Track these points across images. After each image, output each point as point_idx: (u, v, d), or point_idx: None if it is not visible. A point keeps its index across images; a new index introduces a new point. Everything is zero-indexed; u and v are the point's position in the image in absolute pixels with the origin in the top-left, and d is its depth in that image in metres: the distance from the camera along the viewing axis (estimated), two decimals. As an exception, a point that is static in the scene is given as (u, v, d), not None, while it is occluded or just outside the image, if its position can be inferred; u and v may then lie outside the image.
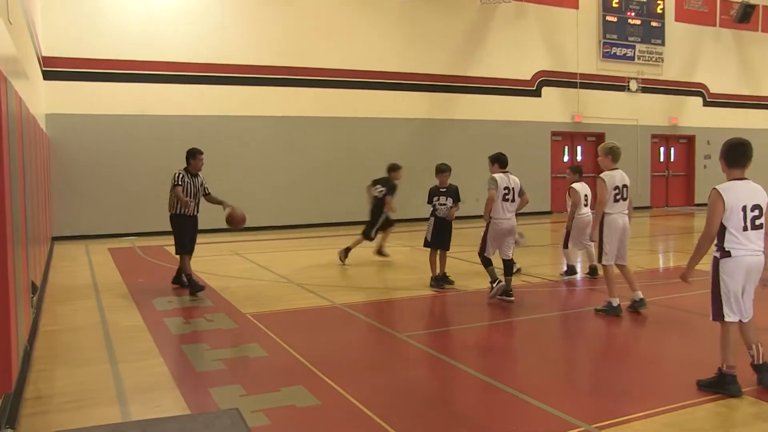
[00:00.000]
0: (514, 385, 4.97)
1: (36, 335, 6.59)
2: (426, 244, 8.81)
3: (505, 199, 7.99)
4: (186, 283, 8.84)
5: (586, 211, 9.41)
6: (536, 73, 19.86)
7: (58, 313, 7.71)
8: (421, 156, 17.99)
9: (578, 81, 20.44)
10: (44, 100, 13.92)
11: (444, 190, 8.84)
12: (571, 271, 9.46)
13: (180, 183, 8.71)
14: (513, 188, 8.03)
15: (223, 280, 9.48)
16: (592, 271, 9.28)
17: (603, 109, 20.93)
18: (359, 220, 15.16)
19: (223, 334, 6.62)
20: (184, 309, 7.70)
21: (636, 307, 7.14)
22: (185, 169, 8.88)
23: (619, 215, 7.04)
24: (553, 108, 20.21)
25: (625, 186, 7.08)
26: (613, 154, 7.09)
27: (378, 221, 10.95)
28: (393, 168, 11.20)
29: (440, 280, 8.78)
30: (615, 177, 7.02)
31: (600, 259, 7.08)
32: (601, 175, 7.01)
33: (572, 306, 7.90)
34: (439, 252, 8.88)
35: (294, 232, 15.76)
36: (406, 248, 12.98)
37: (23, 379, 5.21)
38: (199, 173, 8.92)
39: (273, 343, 6.23)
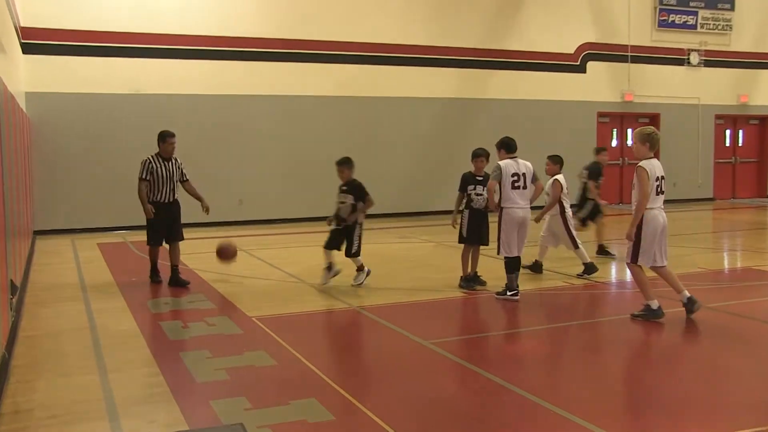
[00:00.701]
0: (556, 401, 4.91)
1: (15, 341, 6.64)
2: (461, 240, 8.74)
3: (515, 187, 7.98)
4: (184, 282, 8.92)
5: (567, 207, 9.71)
6: (581, 45, 19.65)
7: (40, 316, 7.78)
8: (447, 140, 17.94)
9: (629, 54, 20.19)
10: (24, 76, 14.02)
11: (480, 178, 8.78)
12: (589, 269, 9.36)
13: (146, 176, 8.93)
14: (524, 174, 8.00)
15: (226, 279, 9.51)
16: (536, 267, 9.58)
17: (658, 87, 20.67)
18: (378, 213, 15.18)
19: (227, 340, 6.63)
20: (183, 312, 7.74)
21: (691, 308, 7.05)
22: (157, 154, 9.09)
23: (659, 211, 6.96)
24: (600, 86, 19.99)
25: (662, 177, 7.02)
26: (651, 141, 6.97)
27: (588, 210, 11.10)
28: (599, 151, 11.55)
29: (471, 281, 8.76)
30: (654, 167, 6.93)
31: (634, 259, 6.97)
32: (641, 164, 6.89)
33: (617, 310, 7.80)
34: (472, 249, 8.86)
35: (306, 225, 15.79)
36: (431, 244, 12.95)
37: (0, 391, 5.24)
38: (175, 157, 9.14)
39: (282, 350, 6.23)
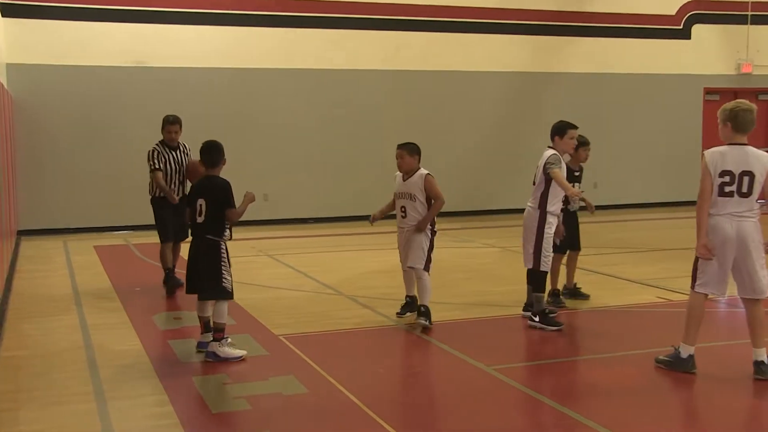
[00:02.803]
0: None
1: (-3, 362, 6.83)
2: (554, 248, 8.64)
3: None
4: (179, 282, 9.14)
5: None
6: (684, 5, 19.35)
7: (25, 333, 7.94)
8: (517, 123, 17.83)
9: (749, 14, 19.78)
10: (3, 44, 14.08)
11: (578, 172, 8.80)
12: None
13: (158, 165, 9.33)
14: (538, 166, 8.00)
15: (249, 290, 9.61)
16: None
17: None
18: (443, 212, 15.17)
19: (249, 363, 6.72)
20: (196, 328, 7.79)
21: (761, 372, 6.23)
22: (162, 142, 9.49)
23: (727, 218, 6.10)
24: (709, 54, 19.65)
25: (746, 173, 6.06)
26: (736, 119, 6.10)
27: None
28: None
29: (571, 294, 8.93)
30: (726, 157, 6.10)
31: (692, 283, 6.37)
32: (708, 151, 6.28)
33: (722, 334, 7.71)
34: (568, 256, 8.94)
35: (344, 226, 15.86)
36: (495, 250, 12.93)
37: (-21, 420, 5.40)
38: (183, 144, 9.52)
39: (314, 375, 6.31)
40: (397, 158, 8.06)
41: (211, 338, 6.83)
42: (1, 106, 10.28)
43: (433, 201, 7.89)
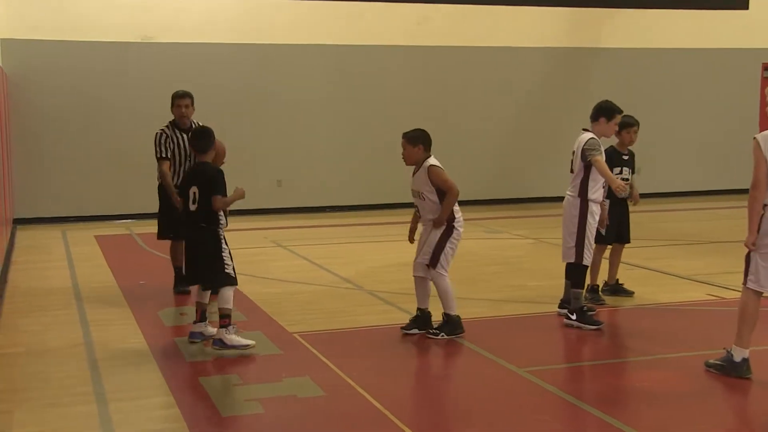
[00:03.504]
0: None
1: (-9, 360, 6.88)
2: (597, 239, 8.57)
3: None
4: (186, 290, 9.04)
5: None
6: (739, -28, 19.12)
7: (21, 328, 7.99)
8: (553, 104, 17.73)
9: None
10: None
11: (626, 156, 8.72)
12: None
13: (165, 153, 8.87)
14: (573, 150, 7.92)
15: (261, 283, 9.64)
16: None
17: None
18: (460, 201, 15.12)
19: (261, 363, 6.74)
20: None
21: None
22: (172, 123, 9.05)
23: None
24: (768, 26, 19.38)
25: None
26: None
27: None
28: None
29: (613, 291, 8.86)
30: None
31: (744, 280, 6.32)
32: (757, 136, 6.21)
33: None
34: (611, 248, 8.89)
35: (364, 215, 15.87)
36: (528, 242, 12.89)
37: (-29, 423, 5.43)
38: (197, 123, 8.92)
39: (332, 376, 6.30)
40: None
41: (205, 326, 7.14)
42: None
43: (446, 194, 7.31)
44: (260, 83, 16.10)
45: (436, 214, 7.36)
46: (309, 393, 5.93)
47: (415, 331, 7.55)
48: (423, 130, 7.61)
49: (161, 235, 9.19)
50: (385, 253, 11.70)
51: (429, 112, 16.51)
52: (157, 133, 9.02)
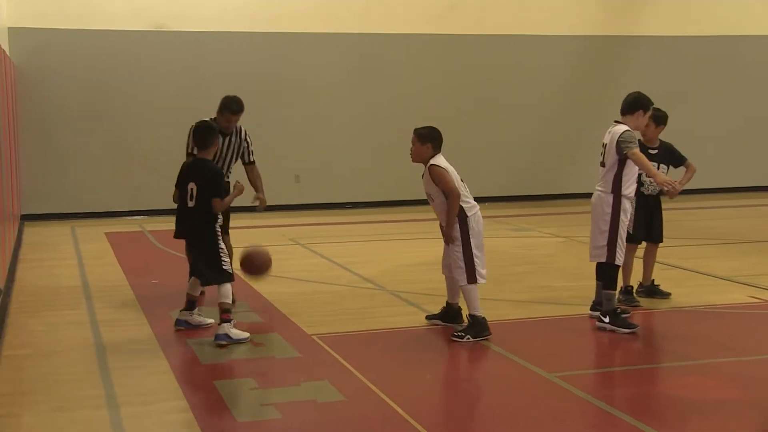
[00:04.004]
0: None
1: (-3, 362, 6.90)
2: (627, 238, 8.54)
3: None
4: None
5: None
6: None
7: (29, 329, 8.03)
8: (586, 96, 17.66)
9: None
10: (4, 5, 14.12)
11: (655, 150, 8.67)
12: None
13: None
14: (604, 144, 7.89)
15: (278, 283, 9.62)
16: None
17: None
18: (486, 197, 15.15)
19: (278, 366, 6.76)
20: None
21: None
22: (215, 120, 8.56)
23: None
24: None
25: None
26: None
27: None
28: None
29: (648, 292, 8.81)
30: None
31: None
32: None
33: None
34: (645, 248, 8.83)
35: (385, 212, 15.85)
36: (558, 240, 12.84)
37: (-23, 427, 5.46)
38: (242, 129, 8.78)
39: (352, 380, 6.30)
40: None
41: (190, 315, 7.65)
42: (1, 75, 10.36)
43: (447, 198, 7.31)
44: (277, 74, 16.12)
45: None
46: (328, 398, 5.93)
47: (438, 322, 7.70)
48: (434, 128, 7.68)
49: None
50: (408, 252, 11.69)
51: (455, 103, 16.52)
52: (191, 127, 8.44)
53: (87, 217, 15.20)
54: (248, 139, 8.78)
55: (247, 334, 7.30)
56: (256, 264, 7.66)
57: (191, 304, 7.69)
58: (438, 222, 7.60)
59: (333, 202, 16.56)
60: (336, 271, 10.53)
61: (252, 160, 8.84)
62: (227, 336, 7.16)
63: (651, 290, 8.90)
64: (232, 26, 15.87)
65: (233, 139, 8.64)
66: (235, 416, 5.63)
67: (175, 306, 8.68)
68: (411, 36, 16.80)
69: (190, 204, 7.32)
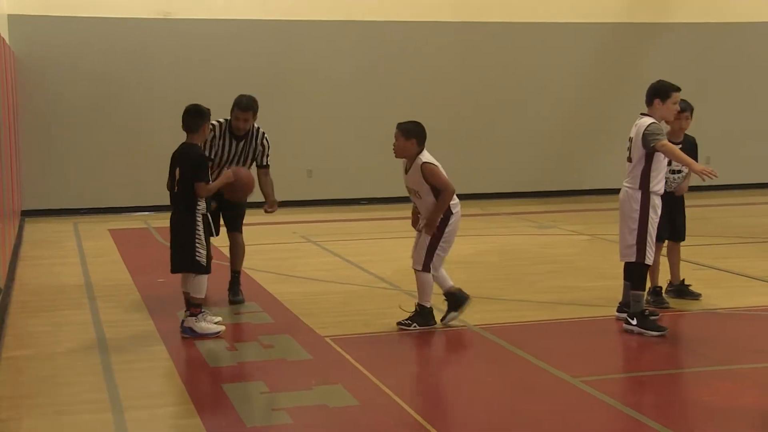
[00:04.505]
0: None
1: (-4, 364, 6.92)
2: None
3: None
4: (239, 300, 8.87)
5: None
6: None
7: (30, 329, 8.06)
8: (610, 87, 17.60)
9: None
10: None
11: (679, 145, 8.63)
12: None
13: (209, 153, 8.25)
14: (631, 137, 7.86)
15: (289, 283, 9.67)
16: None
17: None
18: (506, 192, 15.12)
19: (289, 369, 6.75)
20: (228, 327, 7.88)
21: None
22: (228, 122, 8.48)
23: None
24: None
25: None
26: None
27: None
28: None
29: (678, 292, 8.77)
30: None
31: None
32: None
33: None
34: (667, 247, 8.79)
35: (401, 208, 15.80)
36: (583, 238, 12.81)
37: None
38: (260, 132, 8.64)
39: (366, 384, 6.30)
40: None
41: (198, 320, 7.48)
42: (1, 65, 10.39)
43: (441, 193, 7.54)
44: (289, 64, 16.13)
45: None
46: (341, 402, 5.93)
47: (453, 314, 7.78)
48: (418, 123, 7.88)
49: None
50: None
51: (474, 95, 16.47)
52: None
53: (90, 213, 15.28)
54: (265, 142, 8.67)
55: (220, 328, 7.50)
56: (238, 187, 7.82)
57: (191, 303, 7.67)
58: (411, 219, 8.03)
59: (347, 197, 16.58)
60: (349, 270, 10.55)
61: (266, 163, 8.75)
62: (191, 330, 7.39)
63: (681, 290, 8.85)
64: (241, 14, 15.88)
65: (246, 143, 8.51)
66: (244, 421, 5.63)
67: (182, 306, 8.69)
68: (429, 23, 16.76)
69: (177, 189, 7.45)
